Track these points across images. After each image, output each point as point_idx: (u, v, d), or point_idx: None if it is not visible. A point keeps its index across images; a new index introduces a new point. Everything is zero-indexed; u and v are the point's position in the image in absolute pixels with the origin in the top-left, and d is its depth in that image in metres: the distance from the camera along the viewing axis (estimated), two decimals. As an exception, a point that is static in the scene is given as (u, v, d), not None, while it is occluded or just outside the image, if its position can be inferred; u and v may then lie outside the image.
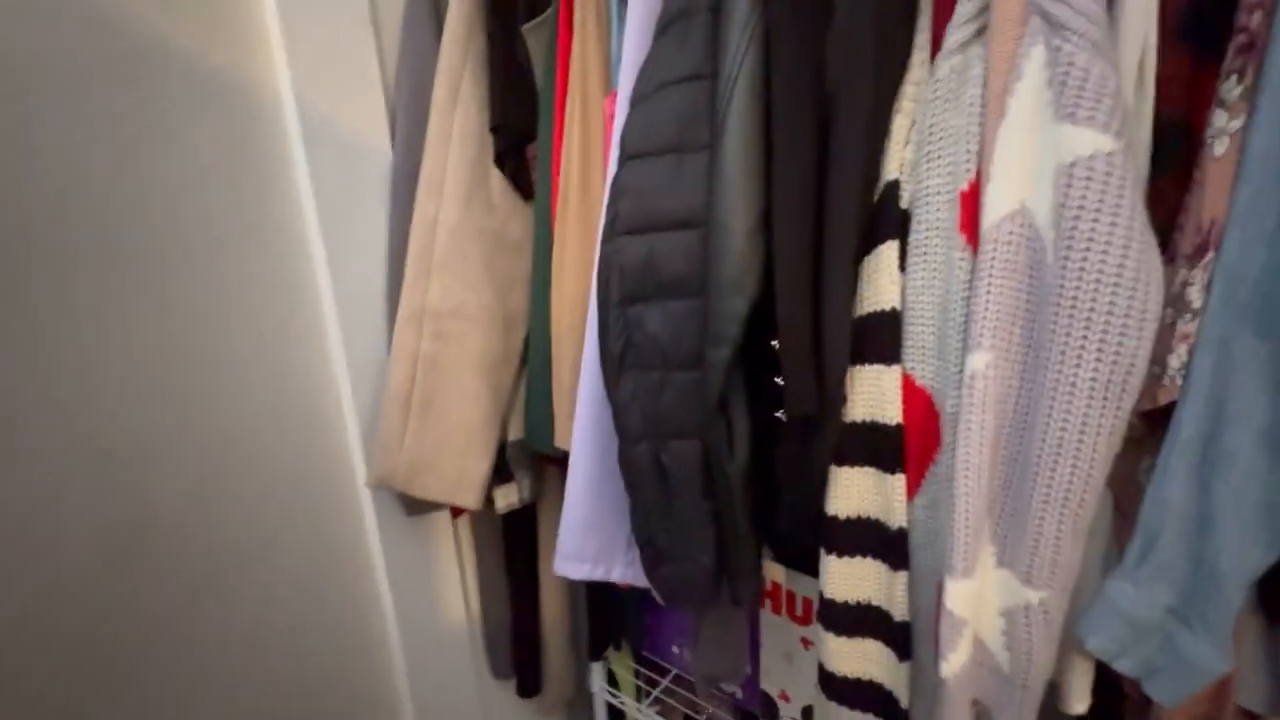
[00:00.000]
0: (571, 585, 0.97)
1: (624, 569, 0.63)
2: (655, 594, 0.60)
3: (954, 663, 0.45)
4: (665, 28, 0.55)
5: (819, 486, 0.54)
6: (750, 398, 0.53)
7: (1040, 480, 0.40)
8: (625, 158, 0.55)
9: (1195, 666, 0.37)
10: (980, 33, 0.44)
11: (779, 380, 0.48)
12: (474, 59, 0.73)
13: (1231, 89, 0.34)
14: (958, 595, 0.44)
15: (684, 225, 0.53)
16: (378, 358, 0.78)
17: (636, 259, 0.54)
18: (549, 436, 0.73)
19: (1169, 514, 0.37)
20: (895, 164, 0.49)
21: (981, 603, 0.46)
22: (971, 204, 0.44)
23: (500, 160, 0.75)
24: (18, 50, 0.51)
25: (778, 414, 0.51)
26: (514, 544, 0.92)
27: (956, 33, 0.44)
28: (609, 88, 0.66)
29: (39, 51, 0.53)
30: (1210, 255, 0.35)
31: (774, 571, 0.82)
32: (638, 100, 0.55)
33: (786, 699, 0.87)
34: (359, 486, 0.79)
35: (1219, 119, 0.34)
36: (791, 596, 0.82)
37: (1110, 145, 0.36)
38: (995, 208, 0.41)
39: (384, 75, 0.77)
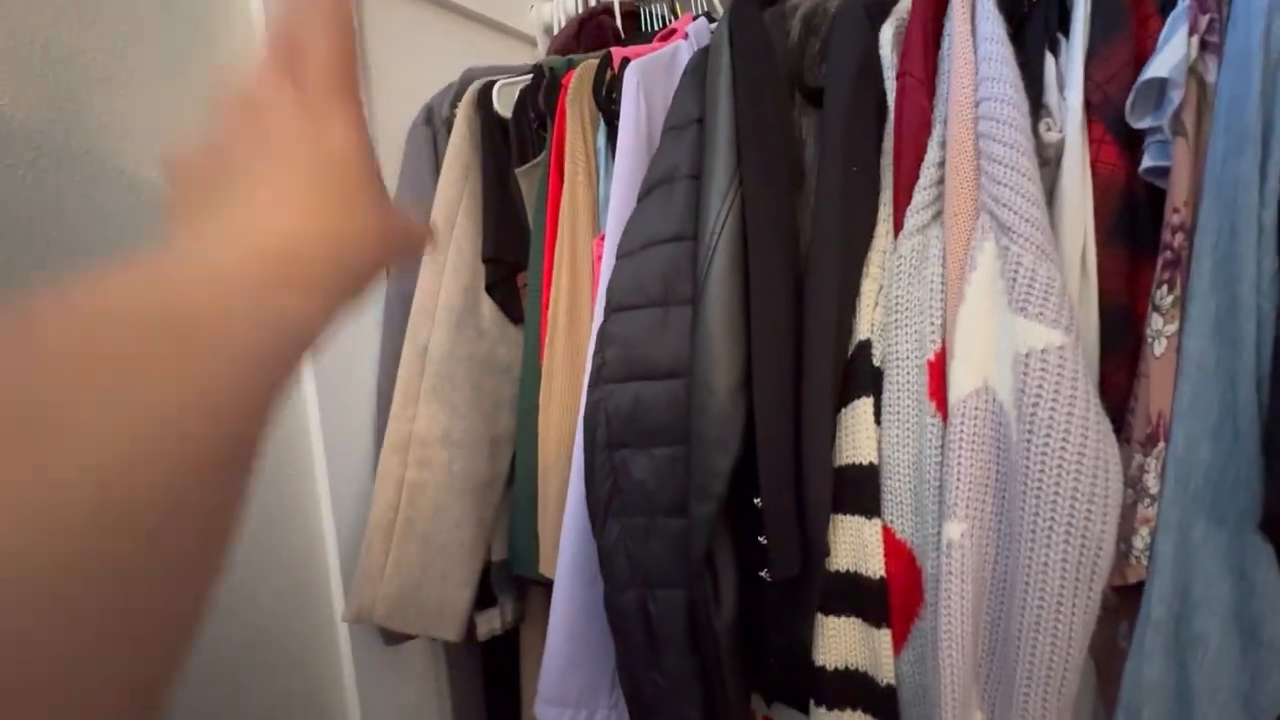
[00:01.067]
0: None
1: (607, 712, 0.61)
2: (643, 749, 0.57)
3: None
4: (650, 189, 0.59)
5: (807, 635, 0.53)
6: (736, 549, 0.53)
7: (1022, 656, 0.41)
8: (612, 309, 0.58)
9: None
10: (937, 216, 0.48)
11: (762, 539, 0.49)
12: (469, 195, 0.77)
13: (1164, 297, 0.37)
14: (949, 770, 0.43)
15: (670, 375, 0.55)
16: (363, 490, 0.77)
17: (624, 405, 0.56)
18: (534, 563, 0.72)
19: (1148, 692, 0.38)
20: (866, 324, 0.52)
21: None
22: (938, 372, 0.47)
23: (491, 288, 0.78)
24: None
25: (761, 573, 0.51)
26: (495, 674, 0.88)
27: (915, 217, 0.49)
28: (597, 229, 0.70)
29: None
30: (1161, 445, 0.37)
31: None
32: (624, 255, 0.59)
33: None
34: (337, 622, 0.77)
35: (1156, 323, 0.38)
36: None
37: (1061, 340, 0.39)
38: (961, 384, 0.44)
39: (382, 208, 0.80)
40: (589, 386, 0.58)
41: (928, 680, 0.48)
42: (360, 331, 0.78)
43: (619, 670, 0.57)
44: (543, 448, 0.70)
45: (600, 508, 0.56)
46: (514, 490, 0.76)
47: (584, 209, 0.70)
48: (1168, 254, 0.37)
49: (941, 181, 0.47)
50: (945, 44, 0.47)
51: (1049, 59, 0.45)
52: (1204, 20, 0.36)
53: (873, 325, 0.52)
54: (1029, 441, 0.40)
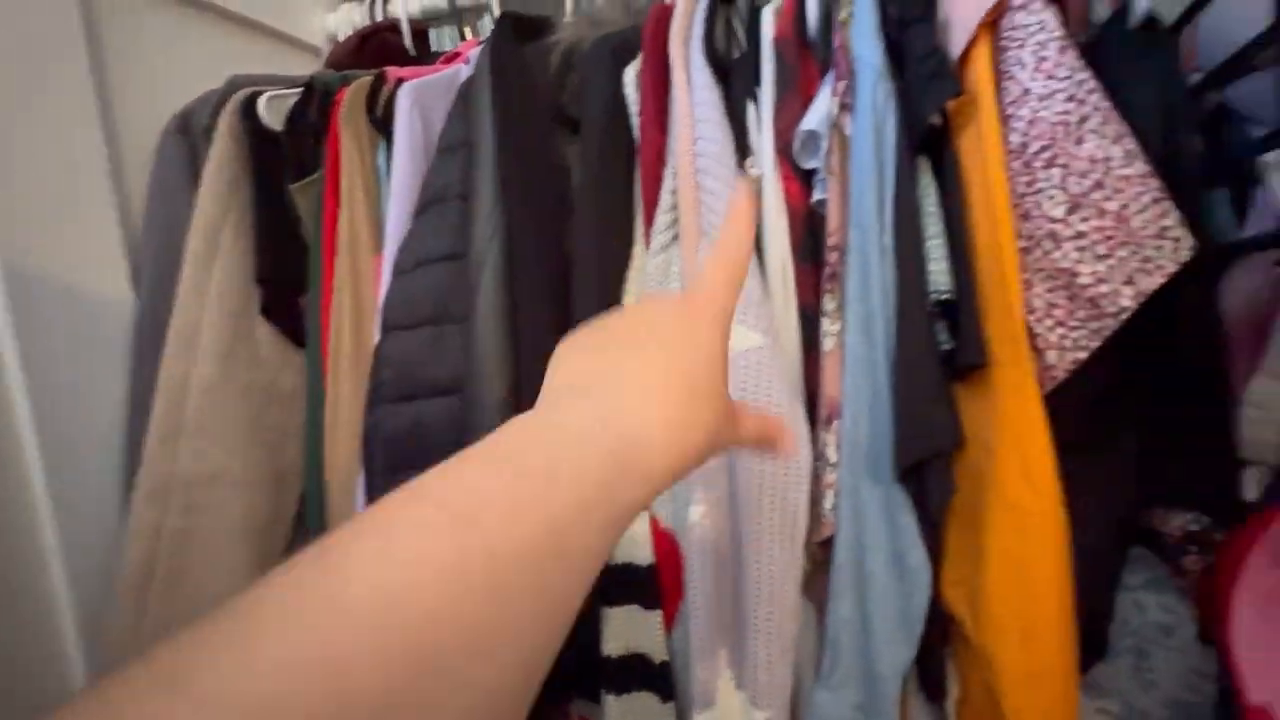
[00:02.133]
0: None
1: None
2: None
3: (706, 789, 0.49)
4: (424, 209, 0.60)
5: (595, 629, 0.57)
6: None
7: (749, 610, 0.47)
8: (388, 328, 0.57)
9: (875, 749, 0.46)
10: (676, 237, 0.55)
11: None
12: (236, 212, 0.71)
13: (829, 303, 0.46)
14: (702, 725, 0.49)
15: (449, 391, 0.56)
16: (106, 544, 0.67)
17: (403, 426, 0.55)
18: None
19: (842, 628, 0.47)
20: (628, 334, 0.57)
21: (728, 724, 0.51)
22: (682, 375, 0.53)
23: (267, 311, 0.72)
24: None
25: None
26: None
27: (658, 237, 0.55)
28: (380, 246, 0.69)
29: None
30: (836, 423, 0.46)
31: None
32: (399, 273, 0.59)
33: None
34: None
35: (825, 325, 0.47)
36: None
37: (760, 341, 0.47)
38: (695, 382, 0.50)
39: (123, 223, 0.72)
40: (366, 409, 0.57)
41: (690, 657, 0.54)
42: (95, 366, 0.69)
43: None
44: (331, 478, 0.66)
45: (381, 532, 0.55)
46: (304, 526, 0.71)
47: (364, 227, 0.68)
48: (828, 269, 0.46)
49: (676, 207, 0.54)
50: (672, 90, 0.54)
51: (750, 107, 0.53)
52: (841, 85, 0.46)
53: (634, 335, 0.57)
54: (743, 428, 0.47)
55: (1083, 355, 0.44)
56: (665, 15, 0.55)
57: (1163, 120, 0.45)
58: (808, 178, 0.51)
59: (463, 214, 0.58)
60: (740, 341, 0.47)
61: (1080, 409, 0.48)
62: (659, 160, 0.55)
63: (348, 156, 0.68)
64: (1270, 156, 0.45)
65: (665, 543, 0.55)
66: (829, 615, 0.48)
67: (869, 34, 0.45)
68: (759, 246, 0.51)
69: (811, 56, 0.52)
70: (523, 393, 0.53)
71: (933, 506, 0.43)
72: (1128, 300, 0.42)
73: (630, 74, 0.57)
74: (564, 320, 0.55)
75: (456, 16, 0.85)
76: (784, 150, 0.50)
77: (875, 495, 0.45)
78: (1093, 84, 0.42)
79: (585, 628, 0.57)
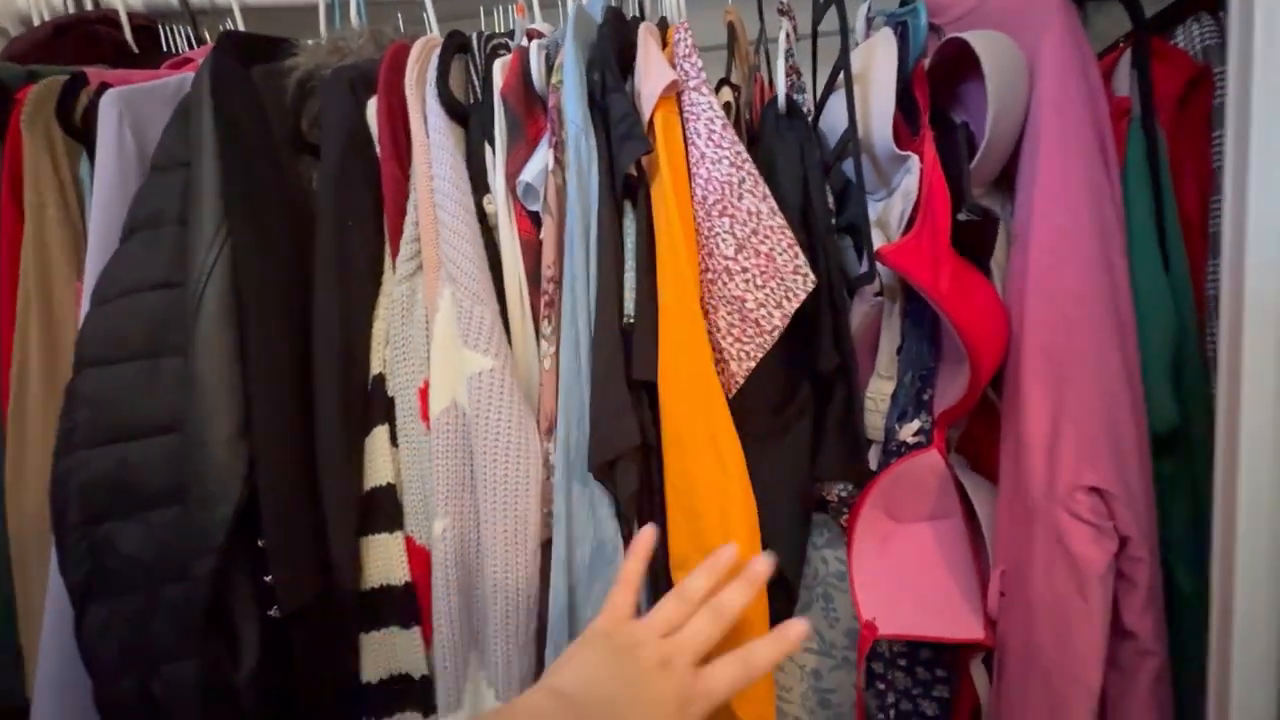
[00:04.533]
0: None
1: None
2: None
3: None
4: (132, 232, 0.55)
5: (353, 661, 0.56)
6: (259, 598, 0.53)
7: (489, 612, 0.51)
8: (84, 364, 0.52)
9: None
10: (421, 267, 0.57)
11: (268, 579, 0.50)
12: None
13: (547, 328, 0.53)
14: (451, 732, 0.52)
15: (165, 430, 0.52)
16: None
17: (103, 473, 0.50)
18: (18, 685, 0.58)
19: (560, 616, 0.52)
20: (379, 361, 0.58)
21: (481, 725, 0.54)
22: (427, 397, 0.55)
23: (-80, 348, 0.60)
24: None
25: (269, 612, 0.52)
26: None
27: (403, 266, 0.57)
28: (80, 272, 0.61)
29: None
30: (554, 434, 0.52)
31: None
32: (100, 302, 0.53)
33: None
34: None
35: (543, 346, 0.53)
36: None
37: (491, 364, 0.51)
38: (437, 402, 0.53)
39: None
40: (56, 456, 0.50)
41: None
42: None
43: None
44: (16, 536, 0.57)
45: (77, 596, 0.49)
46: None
47: (59, 249, 0.60)
48: (546, 297, 0.53)
49: (420, 239, 0.57)
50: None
51: (488, 149, 0.58)
52: (554, 139, 0.53)
53: (385, 361, 0.58)
54: (480, 442, 0.51)
55: (753, 364, 0.55)
56: (401, 56, 0.58)
57: (800, 184, 0.59)
58: (537, 218, 0.57)
59: (180, 238, 0.54)
60: (475, 364, 0.51)
61: (764, 409, 0.61)
62: (401, 191, 0.57)
63: (34, 165, 0.59)
64: (871, 214, 0.61)
65: (421, 561, 0.57)
66: (550, 610, 0.53)
67: (574, 97, 0.53)
68: (498, 275, 0.56)
69: (539, 107, 0.58)
70: (254, 428, 0.51)
71: (621, 498, 0.51)
72: (778, 320, 0.54)
73: (372, 108, 0.59)
74: (301, 349, 0.54)
75: (189, 17, 0.78)
76: (514, 190, 0.56)
77: (582, 494, 0.52)
78: (746, 154, 0.54)
79: (332, 662, 0.56)
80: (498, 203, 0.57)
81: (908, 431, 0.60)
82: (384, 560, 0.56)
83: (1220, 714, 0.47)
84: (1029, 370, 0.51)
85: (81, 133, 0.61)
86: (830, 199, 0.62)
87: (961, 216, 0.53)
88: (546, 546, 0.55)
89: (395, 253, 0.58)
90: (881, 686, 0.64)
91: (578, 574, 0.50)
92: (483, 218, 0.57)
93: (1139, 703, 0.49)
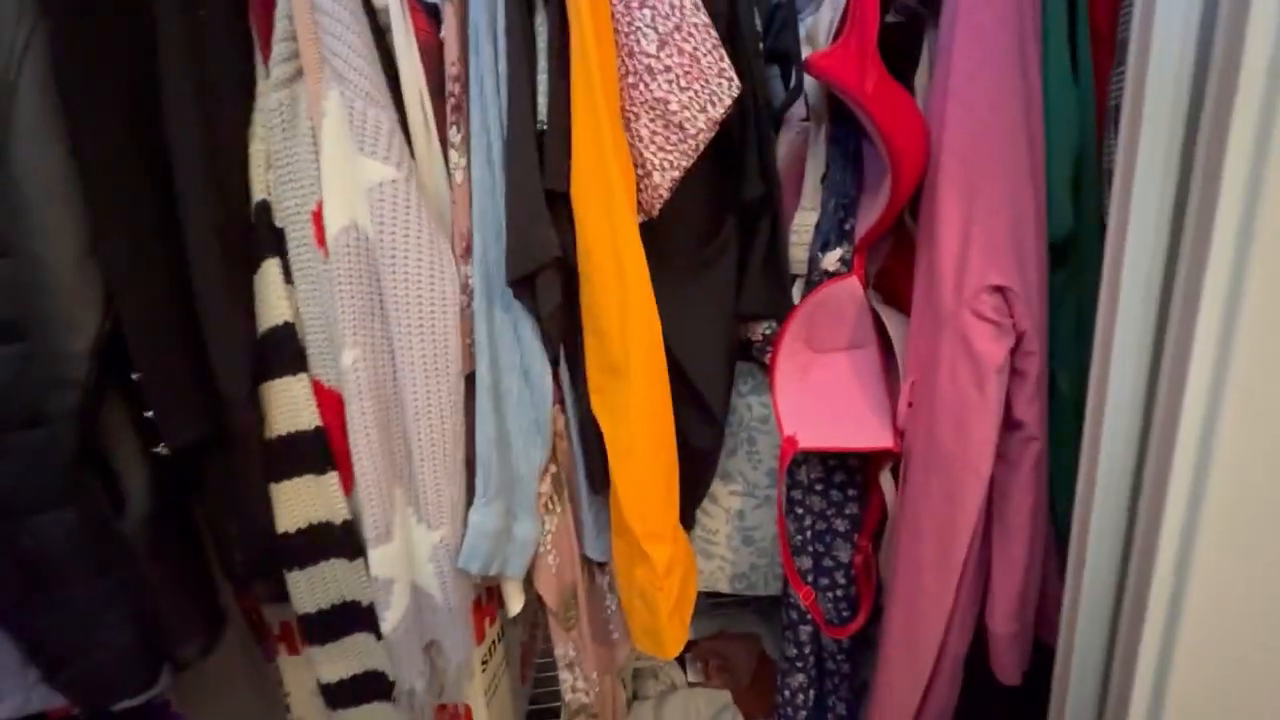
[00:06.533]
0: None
1: (25, 694, 0.50)
2: (71, 703, 0.49)
3: (391, 619, 0.52)
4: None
5: (265, 512, 0.53)
6: (143, 439, 0.48)
7: (413, 438, 0.49)
8: None
9: (526, 540, 0.53)
10: (301, 73, 0.50)
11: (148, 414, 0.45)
12: None
13: (455, 136, 0.47)
14: (378, 560, 0.51)
15: (-7, 256, 0.44)
16: None
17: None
18: None
19: (488, 445, 0.51)
20: (260, 186, 0.51)
21: (412, 557, 0.53)
22: (322, 221, 0.50)
23: None
24: None
25: (157, 449, 0.47)
26: None
27: (278, 69, 0.49)
28: None
29: None
30: (471, 255, 0.49)
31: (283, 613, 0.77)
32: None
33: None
34: None
35: (453, 158, 0.48)
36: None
37: (394, 174, 0.46)
38: (333, 223, 0.48)
39: None
40: None
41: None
42: None
43: (9, 632, 0.46)
44: None
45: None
46: None
47: None
48: (451, 100, 0.47)
49: (295, 37, 0.49)
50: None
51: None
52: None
53: (267, 186, 0.51)
54: (387, 262, 0.47)
55: (678, 174, 0.52)
56: None
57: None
58: (435, 14, 0.50)
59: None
60: (375, 174, 0.46)
61: (688, 241, 0.59)
62: (265, -19, 0.48)
63: None
64: (801, 32, 0.59)
65: (332, 403, 0.53)
66: (477, 438, 0.51)
67: None
68: (394, 79, 0.49)
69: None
70: (105, 252, 0.44)
71: (542, 315, 0.49)
72: (703, 124, 0.51)
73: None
74: (161, 172, 0.46)
75: None
76: (406, -21, 0.49)
77: (505, 318, 0.49)
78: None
79: (242, 513, 0.53)
80: (388, -4, 0.49)
81: (830, 259, 0.60)
82: (289, 405, 0.52)
83: (1087, 488, 0.53)
84: (945, 177, 0.51)
85: None
86: (758, 20, 0.59)
87: (890, 18, 0.51)
88: (470, 380, 0.52)
89: (267, 54, 0.50)
90: (800, 511, 0.68)
91: (505, 401, 0.49)
92: (371, 14, 0.50)
93: (1020, 485, 0.55)
